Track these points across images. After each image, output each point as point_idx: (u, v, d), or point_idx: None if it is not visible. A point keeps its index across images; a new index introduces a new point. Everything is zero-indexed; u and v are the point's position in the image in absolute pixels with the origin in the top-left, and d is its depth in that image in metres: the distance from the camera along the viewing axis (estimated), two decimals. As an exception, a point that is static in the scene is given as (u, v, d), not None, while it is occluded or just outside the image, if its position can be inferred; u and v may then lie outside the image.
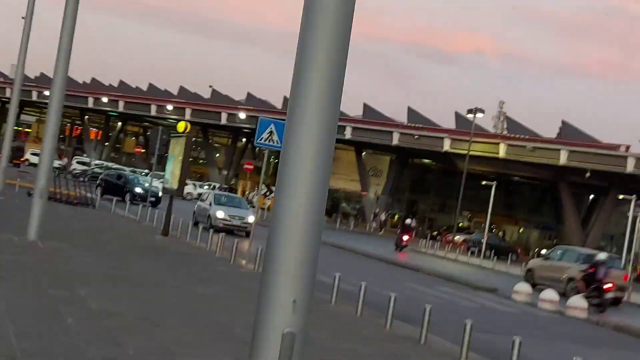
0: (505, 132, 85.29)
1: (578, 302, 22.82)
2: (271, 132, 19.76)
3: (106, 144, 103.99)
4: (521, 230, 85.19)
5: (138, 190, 43.13)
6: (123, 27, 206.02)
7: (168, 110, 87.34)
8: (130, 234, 25.06)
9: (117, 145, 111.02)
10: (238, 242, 21.74)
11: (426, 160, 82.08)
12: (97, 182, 44.97)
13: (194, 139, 63.34)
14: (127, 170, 57.44)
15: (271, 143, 19.81)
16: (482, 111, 64.69)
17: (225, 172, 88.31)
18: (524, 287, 25.45)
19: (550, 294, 23.76)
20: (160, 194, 41.79)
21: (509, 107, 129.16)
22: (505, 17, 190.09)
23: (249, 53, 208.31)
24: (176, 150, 26.08)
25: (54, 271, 13.95)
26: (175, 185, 25.67)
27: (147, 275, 15.87)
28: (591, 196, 78.28)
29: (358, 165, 79.13)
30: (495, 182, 59.57)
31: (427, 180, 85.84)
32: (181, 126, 26.73)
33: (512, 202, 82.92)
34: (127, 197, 41.24)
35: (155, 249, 21.46)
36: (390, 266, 32.54)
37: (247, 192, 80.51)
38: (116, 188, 43.41)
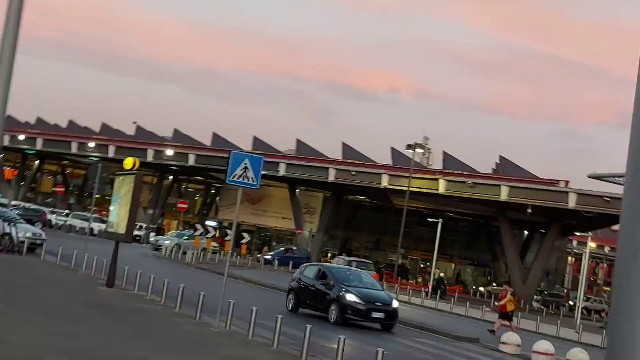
0: (431, 167, 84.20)
1: (579, 356, 20.64)
2: (245, 167, 17.08)
3: (22, 183, 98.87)
4: (453, 267, 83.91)
5: (351, 298, 23.79)
6: (38, 65, 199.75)
7: (90, 148, 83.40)
8: (71, 286, 21.88)
9: (34, 185, 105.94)
10: (199, 295, 18.77)
11: (361, 197, 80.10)
12: (290, 286, 26.65)
13: (111, 175, 60.13)
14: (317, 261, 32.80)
15: (246, 181, 17.12)
16: (421, 147, 63.13)
17: (151, 211, 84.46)
18: (512, 338, 23.21)
19: (545, 345, 21.54)
20: (395, 304, 24.69)
21: (432, 143, 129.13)
22: (420, 56, 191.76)
23: (170, 90, 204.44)
24: (122, 190, 23.06)
25: (0, 347, 10.94)
26: (122, 230, 22.60)
27: (112, 346, 12.94)
28: (526, 232, 77.55)
29: (291, 202, 76.47)
30: (440, 219, 57.85)
31: (361, 217, 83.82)
32: (129, 162, 23.77)
33: (448, 238, 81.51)
34: (333, 311, 23.76)
35: (106, 306, 18.42)
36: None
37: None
38: (314, 295, 25.04)
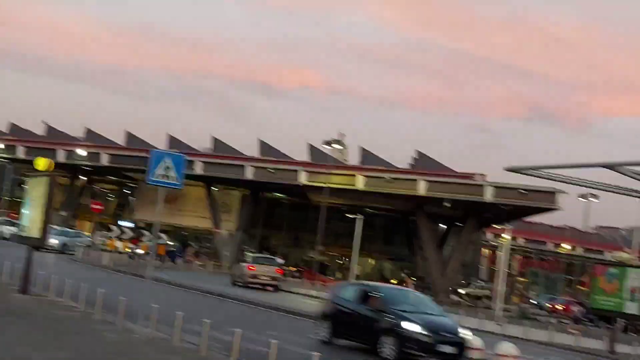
0: (348, 163, 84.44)
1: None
2: (167, 167, 16.42)
3: None
4: (372, 262, 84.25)
5: (411, 327, 18.70)
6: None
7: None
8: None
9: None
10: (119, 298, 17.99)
11: (278, 195, 79.64)
12: (323, 312, 21.58)
13: (22, 177, 58.15)
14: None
15: (167, 180, 16.46)
16: (340, 143, 63.10)
17: (63, 213, 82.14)
18: (475, 342, 22.81)
19: (508, 349, 19.51)
20: (464, 332, 19.57)
21: (348, 139, 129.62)
22: (330, 52, 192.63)
23: (80, 89, 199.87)
24: (36, 193, 22.06)
25: None
26: (36, 234, 21.60)
27: (30, 358, 12.19)
28: (444, 226, 78.26)
29: (208, 201, 75.46)
30: (360, 215, 57.87)
31: (279, 214, 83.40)
32: (42, 163, 22.76)
33: (366, 234, 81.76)
34: (388, 344, 18.70)
35: (21, 314, 17.52)
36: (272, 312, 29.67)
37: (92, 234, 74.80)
38: (358, 324, 20.08)
